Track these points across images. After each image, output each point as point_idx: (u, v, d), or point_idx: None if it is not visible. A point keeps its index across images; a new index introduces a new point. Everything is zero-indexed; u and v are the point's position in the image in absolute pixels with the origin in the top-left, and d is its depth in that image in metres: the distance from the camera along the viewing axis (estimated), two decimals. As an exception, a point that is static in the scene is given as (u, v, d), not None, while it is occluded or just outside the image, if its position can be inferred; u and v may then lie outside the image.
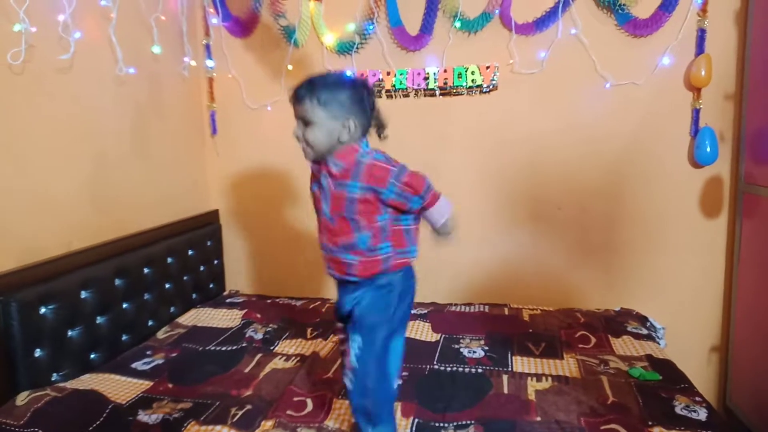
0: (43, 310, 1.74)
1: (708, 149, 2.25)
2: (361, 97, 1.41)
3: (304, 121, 1.39)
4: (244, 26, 2.71)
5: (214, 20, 2.74)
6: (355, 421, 1.46)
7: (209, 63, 2.79)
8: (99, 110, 2.13)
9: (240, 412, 1.62)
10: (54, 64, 1.90)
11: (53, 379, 1.78)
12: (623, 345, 2.09)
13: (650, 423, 1.54)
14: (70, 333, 1.85)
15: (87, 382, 1.79)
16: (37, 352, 1.72)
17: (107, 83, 2.18)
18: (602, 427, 1.53)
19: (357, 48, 2.62)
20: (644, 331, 2.21)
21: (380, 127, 1.50)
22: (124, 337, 2.10)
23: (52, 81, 1.91)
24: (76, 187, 2.02)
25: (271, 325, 2.33)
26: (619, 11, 2.32)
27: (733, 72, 2.29)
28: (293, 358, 2.04)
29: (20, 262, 1.76)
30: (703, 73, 2.23)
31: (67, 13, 1.89)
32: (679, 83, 2.34)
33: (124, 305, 2.11)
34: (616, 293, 2.55)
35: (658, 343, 2.16)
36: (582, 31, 2.39)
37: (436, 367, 1.94)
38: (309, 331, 2.31)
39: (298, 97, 1.38)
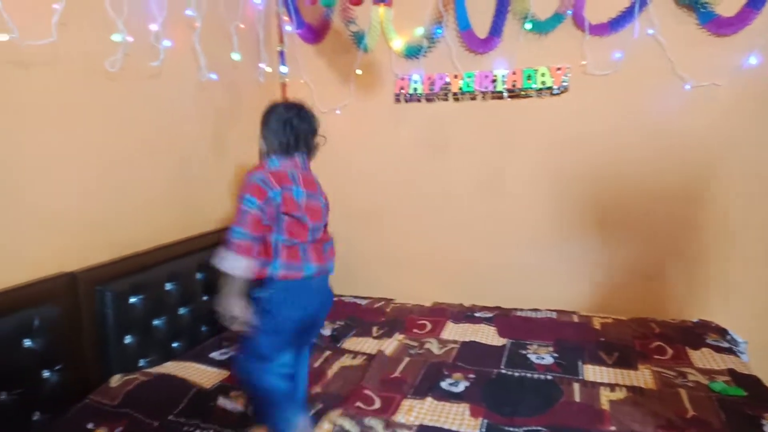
0: (132, 300, 1.87)
1: (800, 153, 2.12)
2: (278, 120, 1.57)
3: None
4: (316, 33, 2.80)
5: (288, 27, 2.84)
6: None
7: (283, 69, 2.90)
8: (183, 114, 2.27)
9: (311, 410, 1.67)
10: (145, 71, 2.05)
11: (140, 364, 1.91)
12: (702, 358, 1.99)
13: (735, 440, 1.47)
14: (155, 322, 1.98)
15: (170, 368, 1.90)
16: (127, 339, 1.86)
17: (190, 89, 2.31)
18: (681, 441, 1.48)
19: (425, 52, 2.65)
20: (725, 344, 2.10)
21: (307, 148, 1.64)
22: (203, 328, 2.22)
23: (143, 87, 2.05)
24: (162, 186, 2.16)
25: (338, 323, 2.39)
26: (701, 9, 2.22)
27: (830, 71, 2.14)
28: (360, 355, 2.09)
29: (113, 255, 1.90)
30: (795, 72, 2.10)
31: (159, 23, 2.02)
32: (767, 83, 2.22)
33: (204, 298, 2.23)
34: (692, 303, 2.44)
35: (740, 358, 2.05)
36: (659, 31, 2.30)
37: (503, 371, 1.93)
38: (375, 329, 2.35)
39: None
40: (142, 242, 2.02)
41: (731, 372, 1.86)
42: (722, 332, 2.23)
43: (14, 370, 1.47)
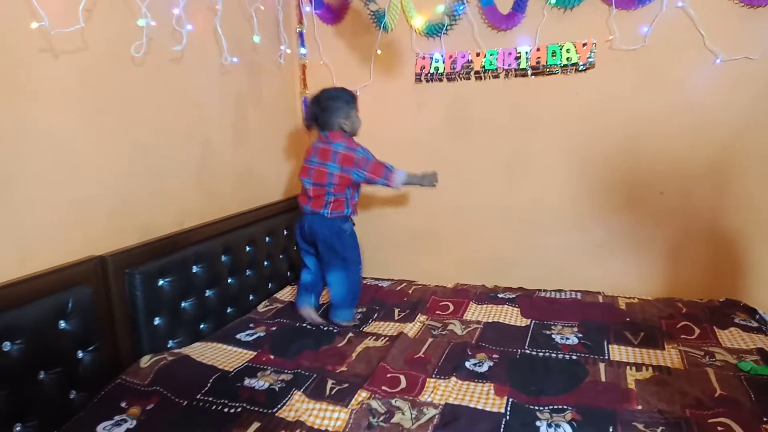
0: (161, 282, 1.91)
1: (836, 128, 2.04)
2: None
3: None
4: (335, 13, 2.78)
5: (307, 8, 2.82)
6: None
7: (302, 50, 2.89)
8: (205, 98, 2.28)
9: (337, 387, 1.70)
10: (168, 55, 2.05)
11: (169, 345, 1.95)
12: (730, 337, 1.97)
13: (765, 419, 1.45)
14: (183, 304, 2.02)
15: (198, 349, 1.94)
16: (156, 320, 1.90)
17: (213, 73, 2.31)
18: (710, 420, 1.46)
19: (446, 29, 2.60)
20: (754, 324, 2.07)
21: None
22: (229, 310, 2.26)
23: (167, 71, 2.05)
24: (186, 171, 2.18)
25: (360, 307, 2.40)
26: (734, -21, 2.14)
27: None
28: (383, 338, 2.10)
29: (142, 238, 1.93)
30: (833, 43, 2.02)
31: (181, 7, 2.02)
32: (804, 56, 2.14)
33: (229, 280, 2.26)
34: (720, 284, 2.40)
35: (771, 337, 2.02)
36: (689, 3, 2.23)
37: (527, 351, 1.93)
38: (397, 312, 2.36)
39: None
40: (168, 226, 2.05)
41: (760, 351, 1.84)
42: (751, 312, 2.19)
43: (52, 351, 1.52)
